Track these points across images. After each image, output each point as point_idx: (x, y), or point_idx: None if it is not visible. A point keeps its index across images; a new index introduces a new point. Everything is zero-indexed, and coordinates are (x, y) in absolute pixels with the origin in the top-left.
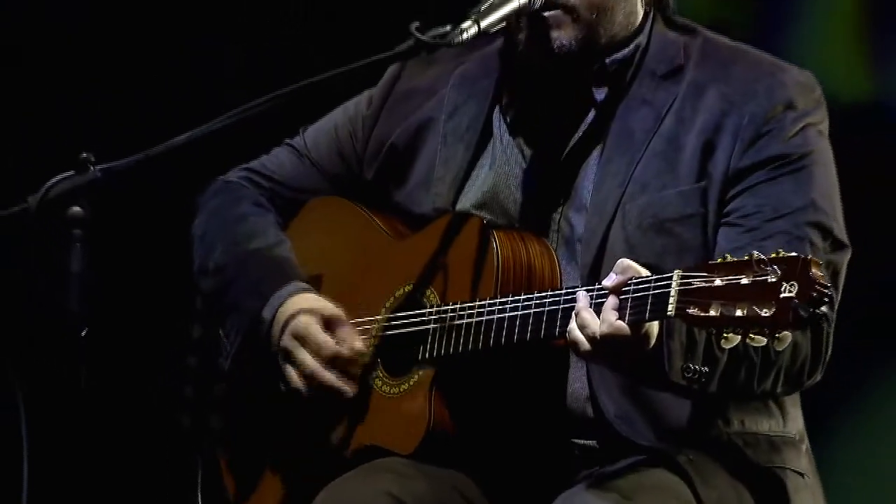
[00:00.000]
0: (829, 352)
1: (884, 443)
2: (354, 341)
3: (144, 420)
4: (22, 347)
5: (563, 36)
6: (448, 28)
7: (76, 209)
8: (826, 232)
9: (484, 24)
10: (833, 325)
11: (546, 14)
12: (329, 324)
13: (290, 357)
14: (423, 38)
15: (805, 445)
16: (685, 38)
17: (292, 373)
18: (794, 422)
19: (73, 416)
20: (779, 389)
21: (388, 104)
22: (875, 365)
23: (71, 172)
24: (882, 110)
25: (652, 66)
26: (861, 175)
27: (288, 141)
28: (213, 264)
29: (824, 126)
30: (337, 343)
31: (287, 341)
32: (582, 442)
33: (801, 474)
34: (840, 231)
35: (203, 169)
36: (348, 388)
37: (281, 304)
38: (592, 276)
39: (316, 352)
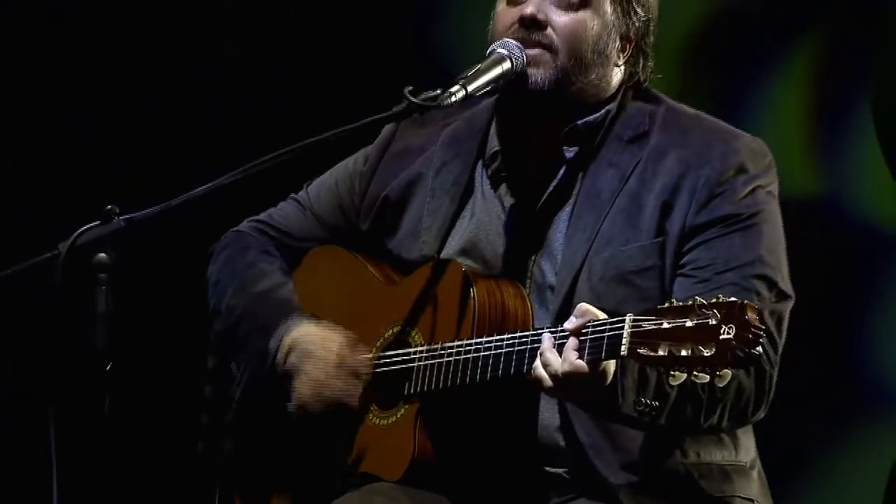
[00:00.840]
0: (773, 392)
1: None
2: (356, 351)
3: (163, 444)
4: (54, 380)
5: (539, 74)
6: (438, 91)
7: (102, 255)
8: (771, 283)
9: (471, 88)
10: (777, 368)
11: (528, 52)
12: (331, 340)
13: (297, 373)
14: (416, 100)
15: (756, 471)
16: (651, 107)
17: (301, 387)
18: (747, 450)
19: (98, 440)
20: (724, 424)
21: (384, 161)
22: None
23: (97, 222)
24: (829, 206)
25: (619, 131)
26: (808, 266)
27: (293, 196)
28: (224, 306)
29: (774, 187)
30: (339, 352)
31: (293, 359)
32: (553, 470)
33: (751, 500)
34: (784, 283)
35: (217, 218)
36: (355, 395)
37: (285, 334)
38: (560, 320)
39: (322, 363)
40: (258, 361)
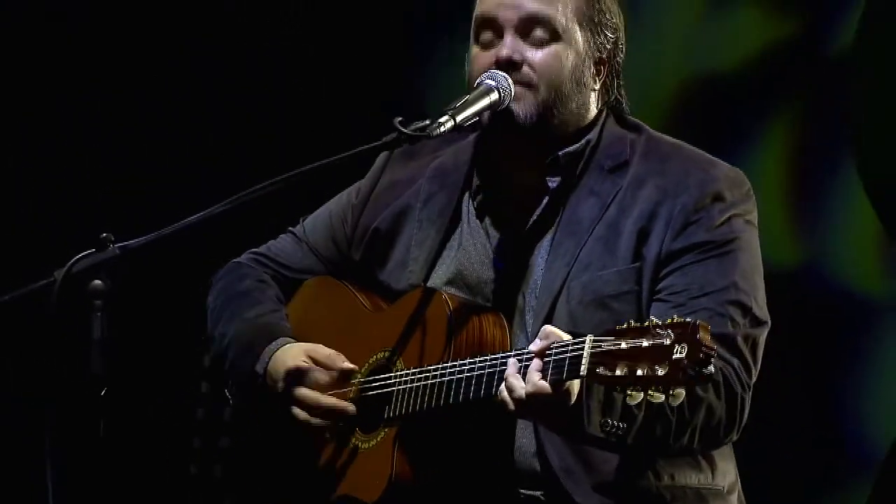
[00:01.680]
0: (746, 415)
1: None
2: (343, 363)
3: (157, 467)
4: (50, 404)
5: (522, 109)
6: (427, 122)
7: (97, 282)
8: (745, 309)
9: (459, 118)
10: (751, 392)
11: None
12: (315, 356)
13: (290, 396)
14: (405, 130)
15: (735, 496)
16: (632, 136)
17: (296, 409)
18: (725, 475)
19: (94, 463)
20: (696, 446)
21: (374, 194)
22: None
23: (92, 250)
24: (810, 274)
25: (601, 160)
26: (792, 333)
27: (290, 229)
28: (217, 332)
29: (752, 216)
30: (329, 372)
31: (284, 384)
32: (528, 493)
33: None
34: (759, 309)
35: (210, 245)
36: (350, 406)
37: (271, 357)
38: None
39: (312, 384)
40: (246, 384)
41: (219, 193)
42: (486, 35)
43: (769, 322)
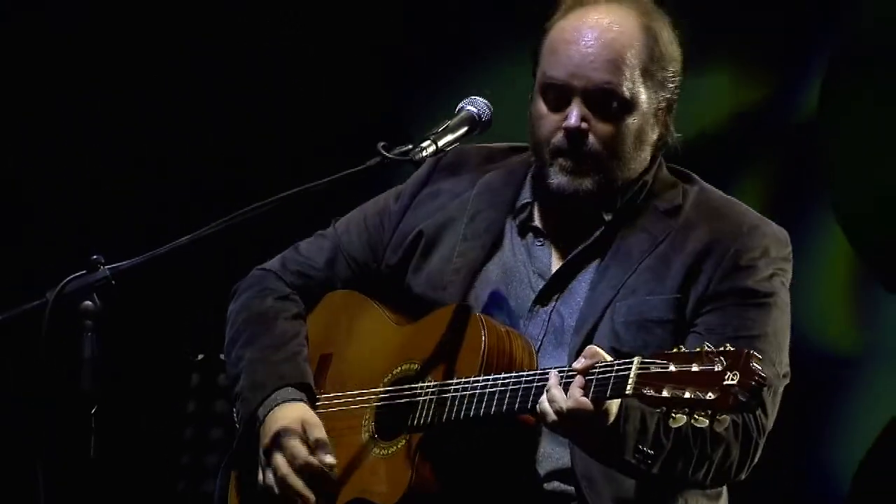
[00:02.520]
0: (757, 457)
1: None
2: (325, 455)
3: (147, 484)
4: (41, 422)
5: (588, 182)
6: (409, 146)
7: (88, 303)
8: (772, 361)
9: (441, 143)
10: (764, 437)
11: (573, 163)
12: (310, 434)
13: (269, 459)
14: (389, 155)
15: None
16: (685, 185)
17: (269, 473)
18: (726, 501)
19: (84, 480)
20: (707, 481)
21: (416, 201)
22: None
23: (84, 271)
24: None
25: (655, 202)
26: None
27: (320, 232)
28: (234, 354)
29: (788, 278)
30: (311, 454)
31: (270, 445)
32: (560, 486)
33: None
34: (782, 365)
35: (200, 267)
36: (312, 499)
37: (272, 410)
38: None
39: (291, 459)
40: (248, 421)
41: (209, 215)
42: (552, 97)
43: (789, 377)
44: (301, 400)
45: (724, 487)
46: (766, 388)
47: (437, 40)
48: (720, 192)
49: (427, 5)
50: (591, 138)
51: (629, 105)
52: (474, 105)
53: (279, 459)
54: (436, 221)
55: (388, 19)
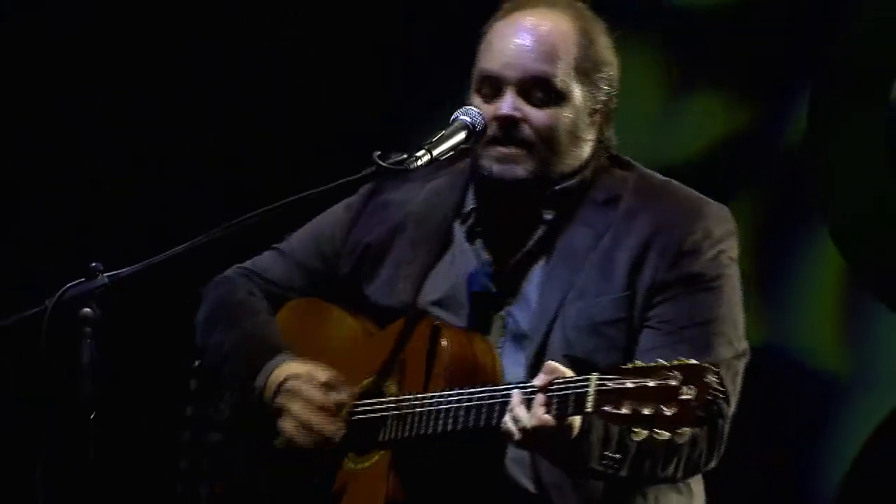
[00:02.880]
0: (724, 443)
1: None
2: (342, 391)
3: (145, 488)
4: (41, 427)
5: (518, 169)
6: (405, 156)
7: (86, 310)
8: (729, 341)
9: (435, 153)
10: (729, 421)
11: (504, 150)
12: (317, 379)
13: (285, 412)
14: (384, 164)
15: None
16: (624, 173)
17: (287, 425)
18: (697, 496)
19: (83, 484)
20: (679, 475)
21: (366, 212)
22: None
23: (82, 279)
24: (773, 354)
25: (594, 194)
26: (755, 413)
27: (275, 245)
28: (212, 342)
29: (735, 253)
30: (325, 393)
31: (281, 400)
32: None
33: None
34: (739, 342)
35: (198, 273)
36: (338, 431)
37: (271, 372)
38: (535, 367)
39: (307, 403)
40: (244, 398)
41: (209, 219)
42: (487, 89)
43: (748, 354)
44: (296, 359)
45: (698, 480)
46: (724, 370)
47: (437, 40)
48: (660, 177)
49: (427, 6)
50: (524, 127)
51: (562, 96)
52: (468, 114)
53: (296, 408)
54: (385, 230)
55: (388, 19)
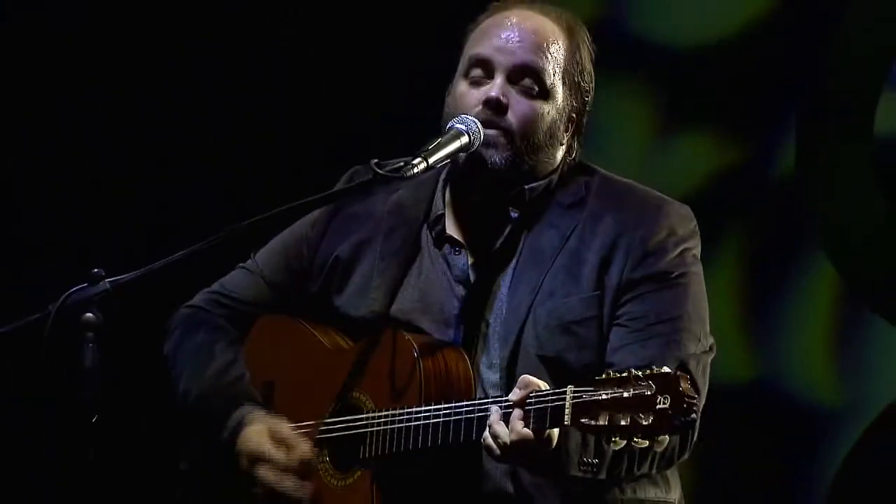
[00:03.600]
0: (696, 436)
1: None
2: (302, 448)
3: (145, 489)
4: (42, 430)
5: (496, 155)
6: (401, 163)
7: (89, 315)
8: (696, 337)
9: (432, 160)
10: (700, 415)
11: (487, 132)
12: (277, 436)
13: (251, 477)
14: (381, 171)
15: None
16: (586, 177)
17: (257, 490)
18: (674, 489)
19: (84, 486)
20: (654, 470)
21: (332, 227)
22: None
23: (85, 284)
24: (766, 389)
25: (560, 198)
26: (748, 447)
27: (241, 265)
28: (181, 389)
29: (698, 250)
30: (287, 452)
31: (247, 465)
32: None
33: None
34: (706, 337)
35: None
36: (306, 492)
37: (235, 430)
38: (510, 367)
39: (272, 468)
40: (212, 448)
41: (211, 221)
42: (477, 73)
43: (715, 349)
44: (255, 411)
45: (674, 472)
46: (693, 365)
47: (437, 42)
48: (622, 179)
49: (428, 7)
50: (509, 114)
51: (547, 92)
52: (464, 123)
53: (262, 473)
54: (352, 244)
55: (388, 20)
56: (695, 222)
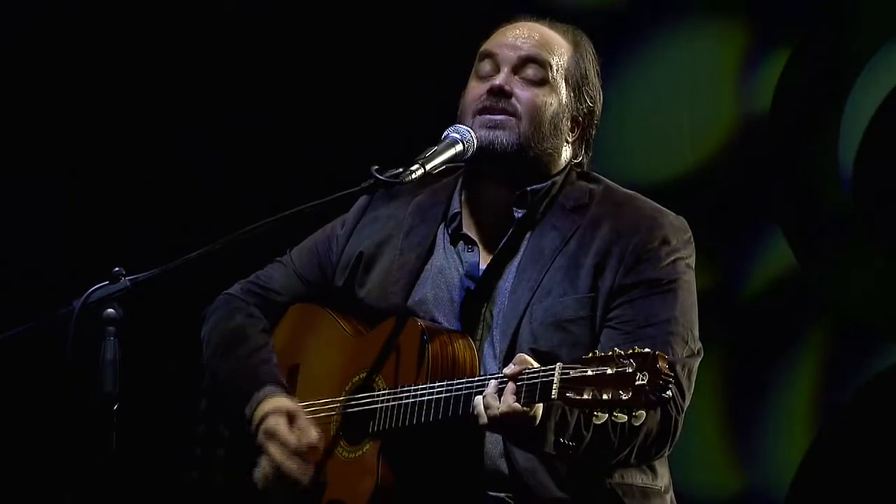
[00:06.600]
0: (678, 434)
1: None
2: (311, 434)
3: (163, 474)
4: (67, 421)
5: (505, 136)
6: (400, 170)
7: (110, 311)
8: (684, 341)
9: (429, 167)
10: (683, 413)
11: (495, 117)
12: (292, 419)
13: (263, 450)
14: (381, 177)
15: (670, 495)
16: (591, 185)
17: (264, 463)
18: (662, 477)
19: (106, 473)
20: (632, 461)
21: (359, 227)
22: None
23: (106, 282)
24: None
25: (563, 201)
26: None
27: (278, 258)
28: (211, 368)
29: (691, 260)
30: (297, 436)
31: (261, 438)
32: (496, 494)
33: None
34: (693, 342)
35: (210, 278)
36: (305, 479)
37: (257, 406)
38: (508, 358)
39: (283, 445)
40: (237, 423)
41: (223, 229)
42: (485, 68)
43: (702, 354)
44: (278, 393)
45: (663, 463)
46: (679, 367)
47: (439, 45)
48: (624, 190)
49: (429, 9)
50: (513, 99)
51: (550, 85)
52: (457, 131)
53: (273, 449)
54: (375, 241)
55: (389, 23)
56: (689, 233)
